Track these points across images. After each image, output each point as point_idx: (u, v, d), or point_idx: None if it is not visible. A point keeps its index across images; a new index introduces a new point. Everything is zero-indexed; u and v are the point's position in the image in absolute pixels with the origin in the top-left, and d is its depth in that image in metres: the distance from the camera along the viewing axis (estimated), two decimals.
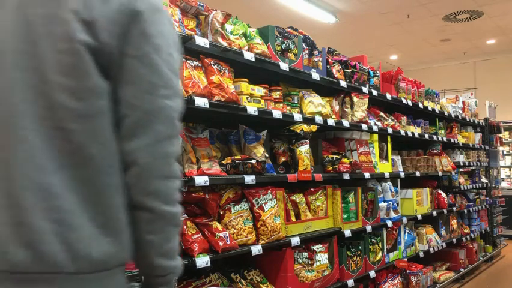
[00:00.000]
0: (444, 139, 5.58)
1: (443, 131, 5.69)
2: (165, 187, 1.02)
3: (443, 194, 5.30)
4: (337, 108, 3.74)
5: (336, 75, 3.70)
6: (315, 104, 3.42)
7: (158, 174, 1.00)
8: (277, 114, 2.97)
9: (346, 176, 3.56)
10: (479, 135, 6.96)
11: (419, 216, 4.65)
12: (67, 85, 0.93)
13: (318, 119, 3.34)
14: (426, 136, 5.08)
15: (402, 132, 4.53)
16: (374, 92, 4.13)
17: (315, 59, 3.55)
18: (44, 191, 0.92)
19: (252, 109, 2.77)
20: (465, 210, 6.08)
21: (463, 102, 6.76)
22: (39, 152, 0.93)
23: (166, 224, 1.03)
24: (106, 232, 0.97)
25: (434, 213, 5.02)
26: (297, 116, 3.17)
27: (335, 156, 3.56)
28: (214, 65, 2.67)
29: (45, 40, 0.93)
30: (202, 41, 2.54)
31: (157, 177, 1.00)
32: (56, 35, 0.93)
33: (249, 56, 2.84)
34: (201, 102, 2.43)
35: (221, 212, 2.67)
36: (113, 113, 0.98)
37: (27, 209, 0.91)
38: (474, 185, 6.39)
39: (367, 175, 3.79)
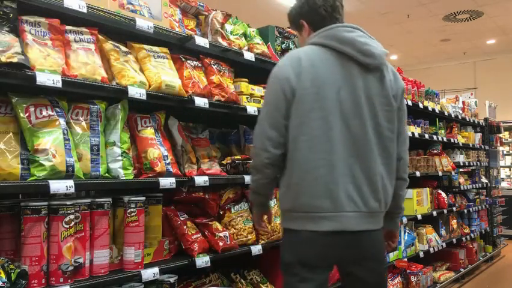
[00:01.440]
0: (444, 139, 5.58)
1: (443, 131, 5.68)
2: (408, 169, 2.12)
3: (443, 194, 5.29)
4: None
5: None
6: None
7: (407, 163, 2.10)
8: None
9: None
10: (479, 135, 6.96)
11: (419, 216, 4.64)
12: (387, 126, 1.94)
13: None
14: (426, 136, 5.07)
15: None
16: None
17: None
18: (380, 175, 1.91)
19: (252, 109, 2.77)
20: (465, 210, 6.08)
21: (463, 102, 6.76)
22: (377, 156, 1.91)
23: (405, 186, 2.13)
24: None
25: (434, 213, 5.01)
26: None
27: None
28: (214, 65, 2.67)
29: (379, 104, 1.92)
30: (202, 41, 2.54)
31: (407, 165, 2.10)
32: (384, 103, 1.93)
33: (249, 56, 2.84)
34: (201, 102, 2.43)
35: (221, 212, 2.67)
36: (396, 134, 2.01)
37: (376, 184, 1.89)
38: (474, 185, 6.39)
39: None
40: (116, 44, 2.23)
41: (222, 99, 2.58)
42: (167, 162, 2.29)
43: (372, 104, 1.90)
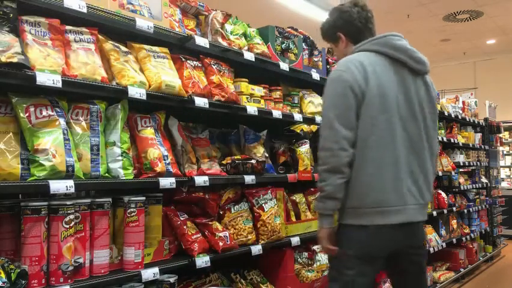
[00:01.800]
0: (445, 139, 5.57)
1: (443, 131, 5.68)
2: None
3: (443, 194, 5.29)
4: None
5: None
6: (315, 104, 3.42)
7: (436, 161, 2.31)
8: (277, 114, 2.97)
9: None
10: (479, 135, 6.95)
11: None
12: (432, 126, 2.20)
13: (318, 119, 3.34)
14: None
15: None
16: None
17: (315, 59, 3.55)
18: (430, 170, 2.15)
19: (252, 109, 2.77)
20: (465, 210, 6.07)
21: (463, 102, 6.76)
22: (427, 154, 2.15)
23: None
24: None
25: (434, 213, 5.01)
26: (297, 116, 3.17)
27: None
28: (214, 65, 2.67)
29: (426, 107, 2.17)
30: (202, 41, 2.54)
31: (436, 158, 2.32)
32: (429, 106, 2.19)
33: (249, 56, 2.84)
34: (201, 102, 2.43)
35: (221, 212, 2.67)
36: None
37: (428, 178, 2.14)
38: (474, 185, 6.39)
39: None
40: (116, 44, 2.23)
41: (222, 99, 2.58)
42: (167, 162, 2.29)
43: (421, 107, 2.14)
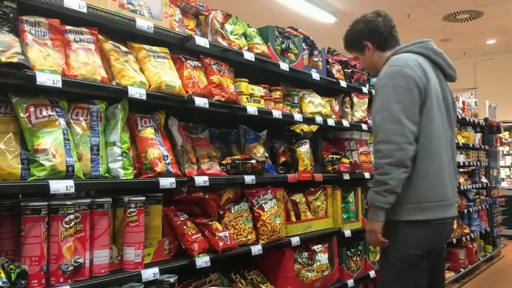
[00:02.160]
0: None
1: None
2: None
3: None
4: (337, 108, 3.74)
5: (336, 75, 3.70)
6: (315, 104, 3.42)
7: None
8: (277, 114, 2.97)
9: (346, 176, 3.56)
10: (479, 135, 6.96)
11: None
12: (453, 128, 2.33)
13: (318, 119, 3.34)
14: None
15: None
16: (374, 92, 4.12)
17: (315, 59, 3.55)
18: (456, 171, 2.33)
19: (252, 109, 2.77)
20: (465, 210, 6.07)
21: (463, 102, 6.76)
22: (455, 156, 2.27)
23: None
24: None
25: None
26: (297, 116, 3.17)
27: (334, 156, 3.56)
28: (214, 65, 2.66)
29: (452, 110, 2.31)
30: (202, 41, 2.54)
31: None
32: (453, 110, 2.32)
33: (249, 56, 2.84)
34: (201, 102, 2.43)
35: (221, 212, 2.67)
36: None
37: (456, 178, 2.28)
38: (474, 185, 6.39)
39: (367, 175, 3.79)
40: (116, 44, 2.23)
41: (222, 99, 2.58)
42: (167, 162, 2.29)
43: (450, 109, 2.30)
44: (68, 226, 1.86)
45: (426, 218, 2.08)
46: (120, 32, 2.31)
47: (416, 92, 2.09)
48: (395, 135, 2.04)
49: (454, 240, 5.58)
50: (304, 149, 3.22)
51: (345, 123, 3.66)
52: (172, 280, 2.25)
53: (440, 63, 2.29)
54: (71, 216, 1.88)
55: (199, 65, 2.61)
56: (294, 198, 3.25)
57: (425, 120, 2.11)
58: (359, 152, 3.86)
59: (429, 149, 2.11)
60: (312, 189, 3.42)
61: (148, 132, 2.32)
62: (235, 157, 2.75)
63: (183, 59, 2.51)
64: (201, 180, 2.40)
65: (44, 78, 1.79)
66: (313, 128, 3.29)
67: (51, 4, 1.96)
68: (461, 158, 6.11)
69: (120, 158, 2.11)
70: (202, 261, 2.33)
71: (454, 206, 2.23)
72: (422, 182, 2.09)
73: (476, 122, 6.92)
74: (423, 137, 2.10)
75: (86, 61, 2.03)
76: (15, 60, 1.71)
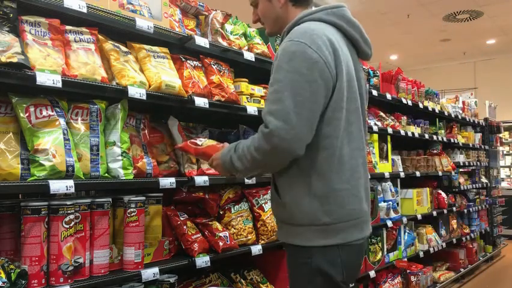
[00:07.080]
0: (444, 139, 5.58)
1: (443, 131, 5.68)
2: None
3: (443, 194, 5.29)
4: None
5: None
6: None
7: None
8: None
9: None
10: (479, 135, 6.96)
11: (419, 216, 4.65)
12: (366, 115, 1.79)
13: None
14: (427, 136, 5.07)
15: (402, 132, 4.52)
16: (374, 92, 4.13)
17: None
18: (368, 176, 1.74)
19: (252, 109, 2.77)
20: (465, 210, 6.08)
21: (463, 102, 6.76)
22: (365, 155, 1.76)
23: None
24: None
25: (434, 213, 5.01)
26: None
27: None
28: (214, 65, 2.66)
29: (366, 99, 1.84)
30: (202, 41, 2.54)
31: None
32: (366, 99, 1.85)
33: (249, 56, 2.84)
34: (201, 102, 2.43)
35: (221, 212, 2.67)
36: None
37: (368, 183, 1.75)
38: (474, 185, 6.39)
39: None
40: (116, 44, 2.23)
41: (222, 99, 2.58)
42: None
43: (364, 98, 1.78)
44: (68, 226, 1.86)
45: (338, 242, 1.60)
46: (120, 32, 2.31)
47: (322, 86, 1.52)
48: (276, 139, 1.48)
49: (454, 240, 5.58)
50: None
51: None
52: (172, 280, 2.25)
53: (355, 37, 1.72)
54: (71, 216, 1.88)
55: (199, 65, 2.61)
56: None
57: (334, 118, 1.58)
58: None
59: (341, 155, 1.59)
60: None
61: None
62: None
63: (183, 59, 2.51)
64: (201, 180, 2.40)
65: (44, 78, 1.79)
66: None
67: (51, 4, 1.96)
68: (461, 158, 6.11)
69: (120, 158, 2.11)
70: (202, 261, 2.33)
71: (369, 222, 1.75)
72: (332, 199, 1.58)
73: (476, 122, 6.92)
74: (325, 141, 1.57)
75: (86, 61, 2.03)
76: (15, 60, 1.71)
